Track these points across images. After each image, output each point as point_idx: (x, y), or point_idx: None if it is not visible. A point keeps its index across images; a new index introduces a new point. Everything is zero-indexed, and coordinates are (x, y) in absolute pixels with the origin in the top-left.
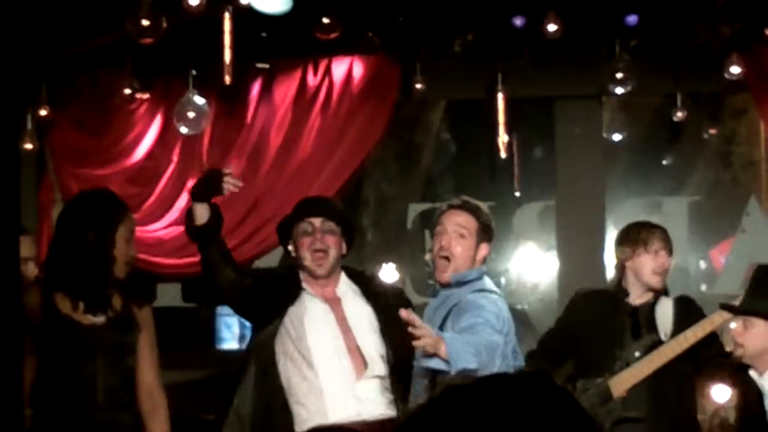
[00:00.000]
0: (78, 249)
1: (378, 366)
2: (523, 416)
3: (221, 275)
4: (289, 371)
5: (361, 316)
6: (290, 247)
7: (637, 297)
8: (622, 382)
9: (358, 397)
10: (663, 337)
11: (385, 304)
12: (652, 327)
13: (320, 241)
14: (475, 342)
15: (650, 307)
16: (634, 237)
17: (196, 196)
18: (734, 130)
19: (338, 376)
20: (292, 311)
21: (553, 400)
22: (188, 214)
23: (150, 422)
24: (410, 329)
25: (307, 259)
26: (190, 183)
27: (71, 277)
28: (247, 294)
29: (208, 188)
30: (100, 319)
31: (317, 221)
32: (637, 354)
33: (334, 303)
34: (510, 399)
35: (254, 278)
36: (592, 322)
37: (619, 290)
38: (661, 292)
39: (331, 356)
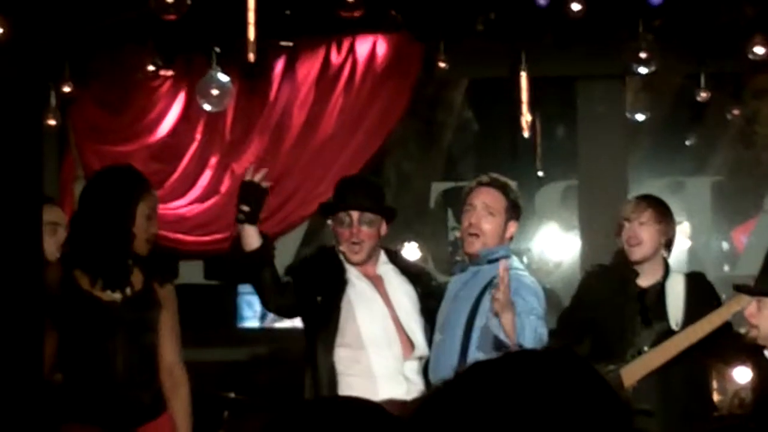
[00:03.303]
0: (97, 225)
1: (422, 346)
2: (550, 391)
3: (270, 299)
4: (339, 351)
5: (404, 294)
6: (330, 223)
7: (645, 277)
8: (633, 372)
9: (407, 376)
10: (674, 325)
11: (423, 283)
12: (662, 313)
13: (356, 235)
14: (536, 326)
15: (659, 289)
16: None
17: (246, 217)
18: (757, 111)
19: (389, 357)
20: (344, 300)
21: (579, 375)
22: (235, 242)
23: (171, 400)
24: (497, 283)
25: (343, 247)
26: (213, 160)
27: (90, 253)
28: (297, 306)
29: (256, 200)
30: (119, 296)
31: (355, 214)
32: (646, 345)
33: (376, 281)
34: (537, 374)
35: (298, 287)
36: (602, 305)
37: (628, 270)
38: (667, 270)
39: (381, 338)
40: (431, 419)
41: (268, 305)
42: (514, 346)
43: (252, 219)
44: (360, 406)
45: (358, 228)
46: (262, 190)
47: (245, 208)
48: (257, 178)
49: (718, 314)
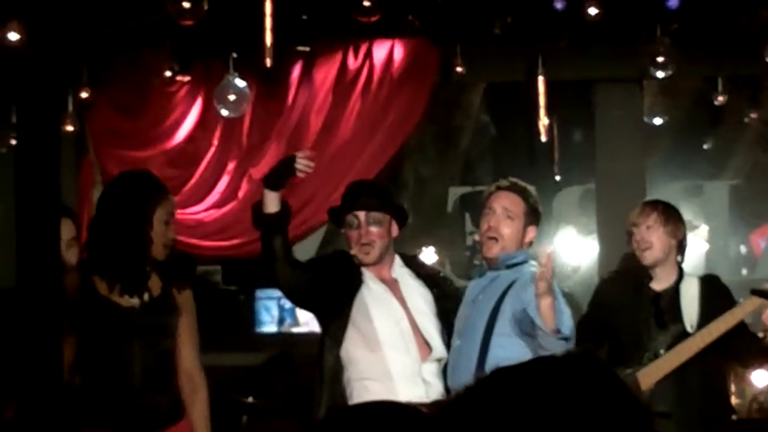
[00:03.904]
0: (114, 230)
1: (440, 348)
2: (572, 396)
3: (280, 271)
4: (353, 353)
5: (419, 297)
6: (343, 231)
7: (659, 281)
8: (649, 375)
9: (425, 379)
10: (689, 328)
11: (439, 286)
12: (677, 315)
13: (365, 236)
14: (570, 317)
15: (673, 292)
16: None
17: (269, 182)
18: None
19: (406, 359)
20: (357, 299)
21: (601, 380)
22: (257, 204)
23: (190, 405)
24: (543, 264)
25: (354, 250)
26: (231, 166)
27: (107, 258)
28: (309, 291)
29: (281, 173)
30: (137, 301)
31: (362, 214)
32: (662, 349)
33: (392, 284)
34: (559, 379)
35: (313, 273)
36: (617, 311)
37: (642, 274)
38: (681, 273)
39: (398, 339)
40: (453, 424)
41: (277, 278)
42: (552, 332)
43: (272, 185)
44: (392, 408)
45: (367, 228)
46: (293, 169)
47: (272, 173)
48: (300, 155)
49: (733, 314)
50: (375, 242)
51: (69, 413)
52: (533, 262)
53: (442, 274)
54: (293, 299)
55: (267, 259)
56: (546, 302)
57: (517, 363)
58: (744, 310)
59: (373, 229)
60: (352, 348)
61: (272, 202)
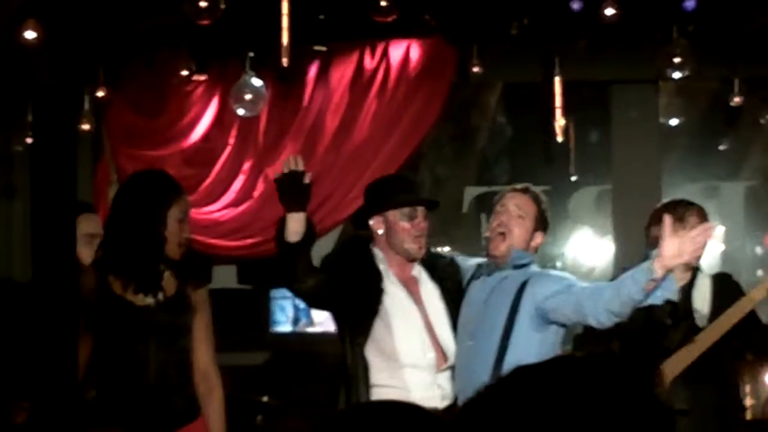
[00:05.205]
0: (129, 229)
1: (453, 356)
2: (595, 396)
3: (302, 286)
4: (373, 362)
5: (436, 299)
6: (372, 222)
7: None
8: (664, 372)
9: (439, 385)
10: (700, 325)
11: (448, 286)
12: (689, 314)
13: (423, 229)
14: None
15: (686, 290)
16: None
17: (289, 205)
18: None
19: (425, 370)
20: (380, 310)
21: (623, 380)
22: (279, 227)
23: (205, 404)
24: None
25: (407, 242)
26: (247, 165)
27: (122, 257)
28: (329, 296)
29: (296, 192)
30: (152, 300)
31: (421, 210)
32: (674, 346)
33: (412, 284)
34: (581, 379)
35: (330, 276)
36: None
37: None
38: (696, 270)
39: (418, 351)
40: (476, 423)
41: (295, 290)
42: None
43: (299, 204)
44: (402, 408)
45: (423, 222)
46: (304, 184)
47: (287, 195)
48: (292, 164)
49: (741, 306)
50: (425, 237)
51: (83, 415)
52: (535, 266)
53: (450, 266)
54: (312, 306)
55: (285, 276)
56: (667, 263)
57: (537, 362)
58: (752, 299)
59: (425, 223)
60: (372, 357)
61: (296, 229)
